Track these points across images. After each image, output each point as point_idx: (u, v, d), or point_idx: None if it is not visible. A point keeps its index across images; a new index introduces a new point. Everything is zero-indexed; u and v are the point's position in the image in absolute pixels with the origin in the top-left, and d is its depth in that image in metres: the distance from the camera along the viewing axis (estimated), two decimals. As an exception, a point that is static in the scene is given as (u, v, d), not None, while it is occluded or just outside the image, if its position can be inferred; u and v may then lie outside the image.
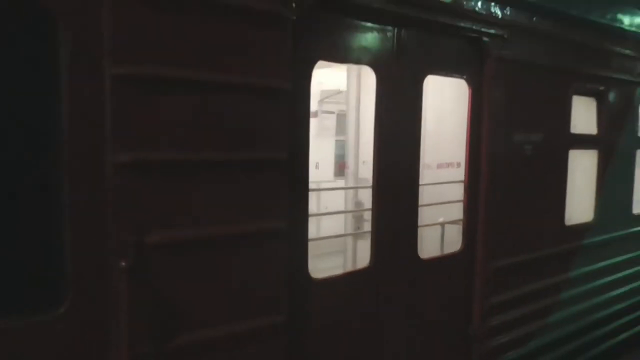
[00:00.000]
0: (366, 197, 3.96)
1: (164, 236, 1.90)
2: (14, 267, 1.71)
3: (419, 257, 2.86)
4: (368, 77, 3.88)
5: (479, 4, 2.91)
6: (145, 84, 1.83)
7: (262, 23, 2.08)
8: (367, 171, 4.03)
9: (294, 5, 2.15)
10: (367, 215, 3.88)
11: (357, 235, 3.94)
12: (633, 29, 4.13)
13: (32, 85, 1.71)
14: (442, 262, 3.01)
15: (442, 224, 3.53)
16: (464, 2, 2.83)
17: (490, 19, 2.97)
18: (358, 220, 3.95)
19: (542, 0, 3.33)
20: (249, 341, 2.14)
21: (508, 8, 3.07)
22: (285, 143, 2.18)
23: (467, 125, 3.02)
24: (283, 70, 2.15)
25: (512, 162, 3.19)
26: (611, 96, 3.97)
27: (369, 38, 2.54)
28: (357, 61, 2.57)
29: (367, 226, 3.81)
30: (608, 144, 4.01)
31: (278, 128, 2.16)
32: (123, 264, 1.80)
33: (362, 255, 3.83)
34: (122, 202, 1.81)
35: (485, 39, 2.96)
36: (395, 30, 2.61)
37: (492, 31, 2.98)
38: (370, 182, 3.83)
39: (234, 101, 2.04)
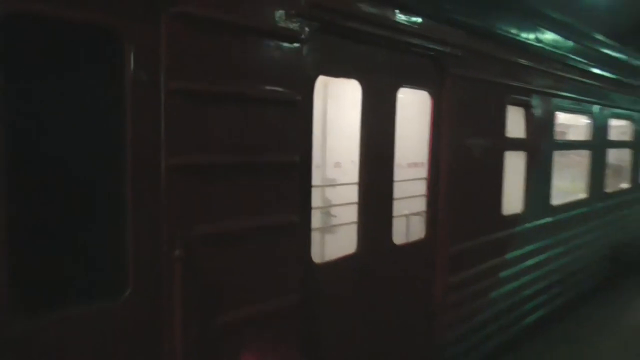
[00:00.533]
0: (333, 195, 4.42)
1: (207, 229, 2.21)
2: (85, 259, 1.96)
3: (394, 243, 3.34)
4: (335, 87, 4.33)
5: (439, 28, 3.45)
6: (192, 97, 2.14)
7: (284, 43, 2.44)
8: (335, 172, 4.48)
9: (306, 29, 2.54)
10: (334, 211, 4.33)
11: (324, 230, 4.37)
12: (551, 49, 4.91)
13: (104, 95, 1.97)
14: (410, 247, 3.51)
15: (407, 216, 4.05)
16: (428, 27, 3.35)
17: (447, 41, 3.51)
18: (326, 215, 4.38)
19: (485, 26, 3.96)
20: (274, 318, 2.49)
21: (461, 32, 3.64)
22: (299, 147, 2.56)
23: (430, 130, 3.55)
24: (297, 84, 2.53)
25: (464, 161, 3.77)
26: (534, 106, 4.71)
27: (356, 56, 2.97)
28: (348, 75, 3.00)
29: (334, 221, 4.26)
30: (533, 146, 4.75)
31: (294, 134, 2.54)
32: (177, 253, 2.09)
33: (330, 247, 4.27)
34: (173, 200, 2.11)
35: (443, 58, 3.50)
36: (377, 50, 3.07)
37: (449, 51, 3.53)
38: (336, 182, 4.31)
39: (262, 111, 2.39)
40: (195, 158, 2.16)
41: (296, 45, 2.50)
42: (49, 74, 1.84)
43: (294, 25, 2.49)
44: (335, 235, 4.25)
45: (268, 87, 2.39)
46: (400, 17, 3.13)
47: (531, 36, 4.62)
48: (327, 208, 4.35)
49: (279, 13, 2.42)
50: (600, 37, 6.17)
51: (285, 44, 2.45)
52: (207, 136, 2.19)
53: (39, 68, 1.82)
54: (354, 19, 2.83)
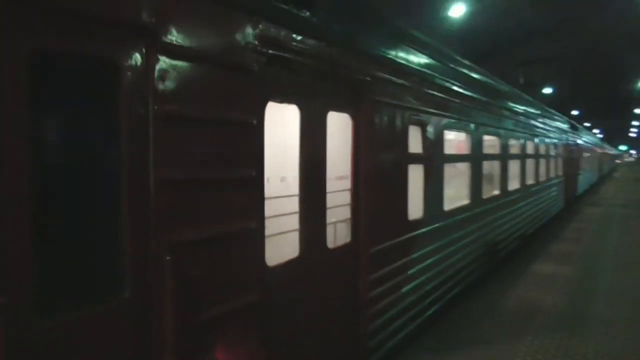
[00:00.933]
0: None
1: (188, 235, 2.52)
2: (87, 263, 2.18)
3: (327, 247, 3.82)
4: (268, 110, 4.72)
5: (356, 59, 4.04)
6: (172, 119, 2.44)
7: (242, 74, 2.84)
8: (279, 186, 4.81)
9: (257, 61, 2.95)
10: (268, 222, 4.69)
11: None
12: (439, 76, 5.79)
13: (101, 116, 2.22)
14: (340, 250, 4.01)
15: (335, 223, 4.56)
16: (347, 58, 3.92)
17: (362, 71, 4.12)
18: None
19: (389, 57, 4.65)
20: (241, 314, 2.83)
21: (374, 64, 4.27)
22: (255, 163, 2.95)
23: (351, 147, 4.11)
24: (253, 108, 2.93)
25: (378, 174, 4.38)
26: (428, 125, 5.52)
27: (295, 85, 3.44)
28: (289, 102, 3.44)
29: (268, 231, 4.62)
30: (428, 160, 5.55)
31: (251, 152, 2.92)
32: (168, 258, 2.37)
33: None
34: (160, 210, 2.39)
35: (360, 85, 4.10)
36: (310, 80, 3.56)
37: (364, 79, 4.14)
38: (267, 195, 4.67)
39: (226, 133, 2.75)
40: (177, 173, 2.46)
41: (250, 74, 2.91)
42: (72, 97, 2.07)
43: (249, 60, 2.89)
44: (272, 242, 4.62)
45: (229, 112, 2.77)
46: (327, 51, 3.66)
47: (424, 65, 5.43)
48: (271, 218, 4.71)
49: (238, 49, 2.82)
50: (470, 63, 7.31)
51: (243, 73, 2.85)
52: (185, 154, 2.51)
53: (63, 93, 2.05)
54: (293, 53, 3.29)
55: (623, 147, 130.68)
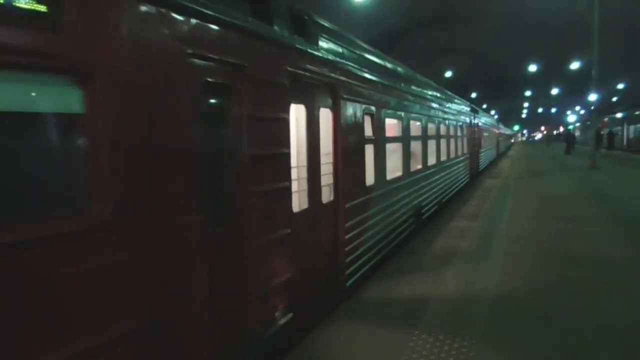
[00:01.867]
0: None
1: (259, 188, 4.14)
2: (224, 199, 3.74)
3: (322, 202, 5.56)
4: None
5: (333, 70, 5.77)
6: (252, 118, 4.04)
7: (282, 88, 4.49)
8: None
9: (288, 79, 4.61)
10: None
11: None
12: (379, 76, 7.67)
13: (224, 117, 3.79)
14: (328, 205, 5.76)
15: (324, 186, 6.26)
16: (328, 70, 5.64)
17: (338, 76, 5.86)
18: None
19: (350, 66, 6.43)
20: (282, 241, 4.51)
21: (342, 72, 6.04)
22: (288, 144, 4.62)
23: (332, 133, 5.86)
24: (286, 109, 4.59)
25: (348, 152, 6.17)
26: (375, 115, 7.38)
27: (303, 91, 5.11)
28: (300, 103, 5.10)
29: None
30: (376, 141, 7.42)
31: (286, 136, 4.59)
32: (252, 200, 4.00)
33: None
34: (249, 173, 4.00)
35: (335, 88, 5.84)
36: (310, 86, 5.24)
37: (343, 83, 5.89)
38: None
39: (275, 125, 4.39)
40: (254, 150, 4.07)
41: (286, 88, 4.56)
42: (218, 112, 3.63)
43: (286, 79, 4.54)
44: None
45: (276, 112, 4.42)
46: (317, 66, 5.36)
47: (370, 68, 7.29)
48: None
49: (284, 70, 4.46)
50: (398, 63, 9.34)
51: (282, 87, 4.50)
52: (257, 138, 4.12)
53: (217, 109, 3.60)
54: (302, 71, 4.97)
55: (516, 127, 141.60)
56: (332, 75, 5.77)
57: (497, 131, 44.30)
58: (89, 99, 2.53)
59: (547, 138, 74.45)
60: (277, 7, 4.68)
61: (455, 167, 16.05)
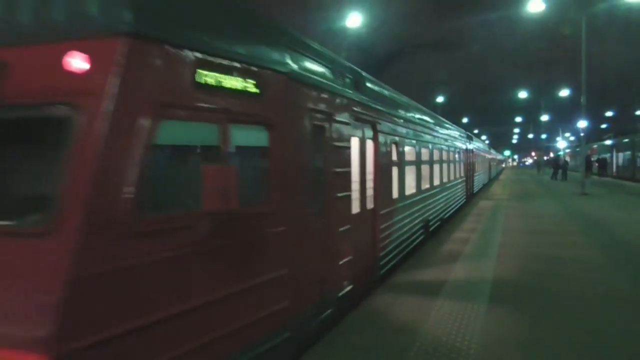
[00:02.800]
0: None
1: (336, 194, 6.19)
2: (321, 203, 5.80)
3: (367, 208, 7.61)
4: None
5: (374, 112, 7.89)
6: (330, 145, 6.12)
7: (349, 125, 6.60)
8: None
9: (353, 119, 6.72)
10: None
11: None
12: (405, 113, 9.84)
13: (318, 144, 5.88)
14: (370, 211, 7.82)
15: (367, 197, 8.31)
16: (372, 112, 7.75)
17: (375, 116, 7.98)
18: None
19: (386, 109, 8.58)
20: (345, 234, 6.57)
21: (379, 113, 8.17)
22: (350, 164, 6.70)
23: (373, 157, 7.94)
24: (349, 139, 6.68)
25: (382, 172, 8.25)
26: (400, 144, 9.49)
27: (358, 127, 7.19)
28: (355, 135, 7.19)
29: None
30: (398, 164, 9.52)
31: (349, 159, 6.67)
32: (333, 201, 6.06)
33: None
34: (331, 184, 6.06)
35: (376, 123, 7.95)
36: (361, 123, 7.33)
37: (379, 121, 8.01)
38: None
39: (343, 151, 6.47)
40: (332, 168, 6.12)
41: (350, 125, 6.65)
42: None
43: (351, 119, 6.63)
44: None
45: (345, 142, 6.50)
46: (366, 108, 7.46)
47: (400, 110, 9.45)
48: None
49: (349, 114, 6.54)
50: (419, 105, 11.57)
51: (350, 126, 6.59)
52: (334, 160, 6.17)
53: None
54: (359, 114, 7.06)
55: (507, 152, 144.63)
56: (373, 115, 7.88)
57: (489, 156, 46.82)
58: (271, 138, 4.58)
59: (538, 163, 75.82)
60: (345, 70, 6.82)
61: (454, 188, 18.23)
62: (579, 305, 6.73)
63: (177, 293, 3.45)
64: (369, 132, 7.75)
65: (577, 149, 65.08)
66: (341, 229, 6.32)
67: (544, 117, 78.14)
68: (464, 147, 22.62)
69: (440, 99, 61.02)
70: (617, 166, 48.83)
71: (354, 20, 23.90)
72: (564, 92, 54.83)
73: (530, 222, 15.41)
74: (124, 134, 3.10)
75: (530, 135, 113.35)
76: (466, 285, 7.78)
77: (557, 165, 43.69)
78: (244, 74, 4.14)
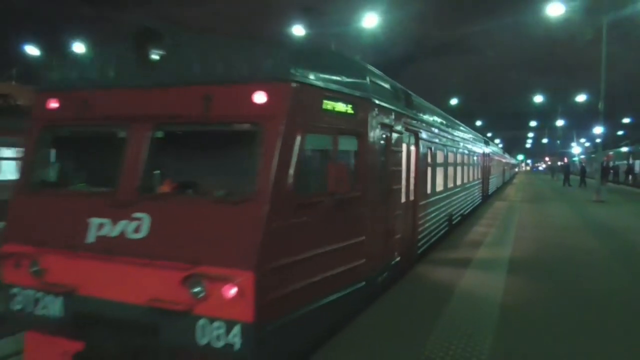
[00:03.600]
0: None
1: (394, 186, 8.24)
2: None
3: (410, 200, 9.65)
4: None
5: (417, 120, 9.93)
6: (392, 150, 8.17)
7: (404, 136, 8.65)
8: None
9: (404, 130, 8.78)
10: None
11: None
12: (440, 125, 11.90)
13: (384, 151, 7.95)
14: (412, 201, 9.84)
15: (410, 190, 10.36)
16: (415, 123, 9.78)
17: (417, 126, 10.02)
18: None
19: (425, 118, 10.63)
20: (396, 218, 8.64)
21: (420, 122, 10.21)
22: (401, 164, 8.77)
23: (415, 160, 9.97)
24: (403, 146, 8.74)
25: (421, 171, 10.29)
26: (434, 150, 11.52)
27: (407, 136, 9.23)
28: (405, 144, 9.24)
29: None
30: (432, 165, 11.56)
31: (401, 161, 8.73)
32: (394, 190, 8.11)
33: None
34: (389, 179, 8.12)
35: (417, 133, 9.98)
36: (409, 133, 9.37)
37: (419, 130, 10.05)
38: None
39: (399, 154, 8.52)
40: (392, 167, 8.17)
41: (404, 135, 8.70)
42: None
43: (403, 131, 8.68)
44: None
45: (400, 149, 8.56)
46: (412, 120, 9.50)
47: (434, 119, 11.51)
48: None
49: (402, 125, 8.58)
50: (450, 117, 13.65)
51: (404, 137, 8.64)
52: (393, 160, 8.22)
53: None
54: (408, 125, 9.10)
55: (520, 157, 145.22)
56: (416, 126, 9.91)
57: (503, 160, 48.59)
58: (359, 144, 6.62)
59: (552, 169, 74.96)
60: (400, 92, 8.89)
61: (473, 188, 20.23)
62: (578, 275, 8.73)
63: (316, 241, 5.51)
64: (412, 140, 9.77)
65: (593, 155, 65.66)
66: (395, 213, 8.34)
67: (559, 122, 78.31)
68: (481, 151, 24.57)
69: (454, 101, 62.08)
70: (634, 173, 49.93)
71: (370, 21, 24.54)
72: (581, 98, 54.28)
73: (544, 225, 17.37)
74: (289, 142, 5.13)
75: (545, 140, 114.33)
76: (489, 261, 9.83)
77: (568, 171, 44.77)
78: (345, 101, 6.19)
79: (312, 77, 5.57)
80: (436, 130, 12.23)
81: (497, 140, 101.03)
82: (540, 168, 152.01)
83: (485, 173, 27.42)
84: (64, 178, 6.20)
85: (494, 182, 34.04)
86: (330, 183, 5.60)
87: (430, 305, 6.97)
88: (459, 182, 16.11)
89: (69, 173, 6.24)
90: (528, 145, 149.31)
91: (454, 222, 15.13)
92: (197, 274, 4.69)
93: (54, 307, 5.52)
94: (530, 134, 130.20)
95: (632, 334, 5.96)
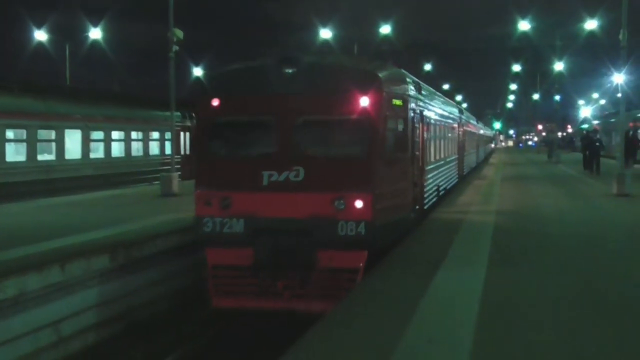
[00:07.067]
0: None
1: (430, 159, 19.08)
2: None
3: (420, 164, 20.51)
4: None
5: (424, 102, 20.75)
6: (429, 126, 18.91)
7: (457, 121, 19.54)
8: None
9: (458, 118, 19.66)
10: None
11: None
12: (442, 105, 22.98)
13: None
14: (422, 165, 20.64)
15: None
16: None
17: (422, 106, 20.88)
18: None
19: (433, 101, 21.61)
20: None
21: (427, 104, 21.15)
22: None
23: (420, 134, 20.76)
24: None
25: (430, 143, 21.18)
26: (436, 125, 22.44)
27: (451, 121, 19.96)
28: (451, 122, 20.01)
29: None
30: (430, 139, 22.49)
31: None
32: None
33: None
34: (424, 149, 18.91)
35: (422, 110, 20.83)
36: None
37: (423, 109, 20.90)
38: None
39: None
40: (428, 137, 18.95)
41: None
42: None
43: (417, 115, 19.46)
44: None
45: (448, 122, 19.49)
46: (424, 103, 20.25)
47: (438, 102, 22.59)
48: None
49: (417, 107, 19.34)
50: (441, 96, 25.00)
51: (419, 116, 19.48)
52: (431, 133, 19.02)
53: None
54: (455, 114, 19.86)
55: (497, 125, 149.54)
56: (422, 106, 20.66)
57: (478, 132, 60.20)
58: (404, 124, 17.22)
59: (550, 143, 73.76)
60: (416, 84, 19.85)
61: (452, 163, 31.85)
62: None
63: (398, 181, 16.18)
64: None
65: (612, 120, 66.66)
66: (416, 172, 18.91)
67: (558, 66, 69.38)
68: (456, 124, 35.87)
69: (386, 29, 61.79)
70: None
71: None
72: (591, 25, 49.17)
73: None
74: (381, 127, 15.52)
75: (536, 97, 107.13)
76: (481, 215, 20.85)
77: (552, 144, 50.10)
78: (398, 98, 16.70)
79: (390, 87, 16.08)
80: (430, 107, 22.92)
81: (458, 98, 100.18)
82: (531, 143, 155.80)
83: (461, 149, 38.62)
84: (232, 149, 16.15)
85: (469, 161, 45.57)
86: (396, 148, 16.14)
87: (448, 231, 17.80)
88: (443, 155, 27.15)
89: (234, 146, 16.19)
90: (510, 106, 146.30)
91: (440, 194, 26.19)
92: (340, 196, 14.90)
93: (238, 226, 15.43)
94: (513, 87, 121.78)
95: None
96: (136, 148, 42.18)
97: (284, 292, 14.59)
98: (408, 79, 18.51)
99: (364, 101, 15.13)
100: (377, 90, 15.41)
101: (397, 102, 16.74)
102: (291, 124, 15.48)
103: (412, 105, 18.12)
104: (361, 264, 14.54)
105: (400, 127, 16.99)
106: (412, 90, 18.55)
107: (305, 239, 14.75)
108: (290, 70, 15.53)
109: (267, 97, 15.61)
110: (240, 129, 16.40)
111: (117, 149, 39.80)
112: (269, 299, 14.59)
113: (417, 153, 18.89)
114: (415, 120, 18.46)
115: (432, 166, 23.06)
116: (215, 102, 15.91)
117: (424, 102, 21.14)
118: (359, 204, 14.84)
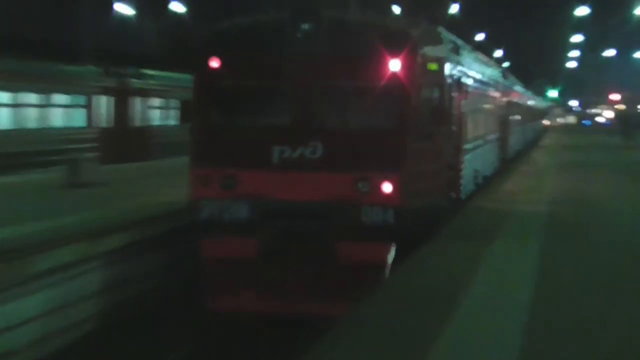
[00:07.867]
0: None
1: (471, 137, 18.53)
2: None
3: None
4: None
5: (466, 70, 19.97)
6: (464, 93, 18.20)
7: (488, 86, 18.82)
8: None
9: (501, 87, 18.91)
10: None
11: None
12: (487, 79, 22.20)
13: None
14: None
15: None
16: (463, 68, 19.79)
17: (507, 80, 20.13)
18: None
19: (473, 70, 20.83)
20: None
21: (465, 74, 20.39)
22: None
23: (457, 108, 20.02)
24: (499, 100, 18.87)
25: (469, 118, 20.41)
26: (480, 100, 21.73)
27: (499, 90, 19.19)
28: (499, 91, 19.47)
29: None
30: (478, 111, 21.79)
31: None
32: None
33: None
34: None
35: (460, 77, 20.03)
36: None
37: (461, 76, 20.09)
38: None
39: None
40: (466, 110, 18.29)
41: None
42: None
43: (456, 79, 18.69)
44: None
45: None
46: (463, 69, 19.45)
47: (478, 71, 21.86)
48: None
49: (456, 74, 18.55)
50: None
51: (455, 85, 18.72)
52: (470, 104, 18.39)
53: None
54: (460, 75, 19.06)
55: (553, 93, 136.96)
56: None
57: (527, 103, 56.91)
58: (442, 91, 16.39)
59: (626, 123, 66.60)
60: (457, 47, 18.98)
61: (495, 143, 31.05)
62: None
63: (431, 161, 15.29)
64: (455, 86, 19.51)
65: None
66: (465, 146, 18.14)
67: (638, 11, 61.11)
68: (499, 93, 33.52)
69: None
70: None
71: None
72: None
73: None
74: (414, 96, 14.63)
75: (609, 53, 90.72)
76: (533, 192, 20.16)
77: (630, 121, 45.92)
78: (434, 62, 15.83)
79: (425, 49, 15.19)
80: (469, 72, 21.95)
81: (498, 54, 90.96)
82: (601, 119, 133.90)
83: (504, 125, 35.91)
84: (236, 119, 15.32)
85: (513, 141, 42.41)
86: (431, 122, 15.31)
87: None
88: (483, 132, 26.22)
89: (239, 116, 15.36)
90: (571, 66, 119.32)
91: (478, 182, 25.36)
92: (365, 176, 14.04)
93: (242, 210, 14.62)
94: (576, 39, 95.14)
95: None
96: (29, 117, 31.09)
97: (293, 291, 13.43)
98: (445, 39, 17.54)
99: (395, 65, 13.97)
100: (410, 52, 14.22)
101: (433, 66, 15.66)
102: (307, 91, 14.45)
103: (449, 69, 17.13)
104: (387, 259, 13.47)
105: (436, 96, 15.96)
106: (449, 52, 17.58)
107: (322, 228, 13.68)
108: (307, 27, 14.28)
109: (279, 57, 14.41)
110: (247, 96, 15.31)
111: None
112: (276, 300, 13.44)
113: (454, 128, 17.70)
114: (452, 88, 17.42)
115: (470, 145, 22.22)
116: (216, 63, 14.66)
117: (463, 66, 20.05)
118: (386, 186, 13.81)
